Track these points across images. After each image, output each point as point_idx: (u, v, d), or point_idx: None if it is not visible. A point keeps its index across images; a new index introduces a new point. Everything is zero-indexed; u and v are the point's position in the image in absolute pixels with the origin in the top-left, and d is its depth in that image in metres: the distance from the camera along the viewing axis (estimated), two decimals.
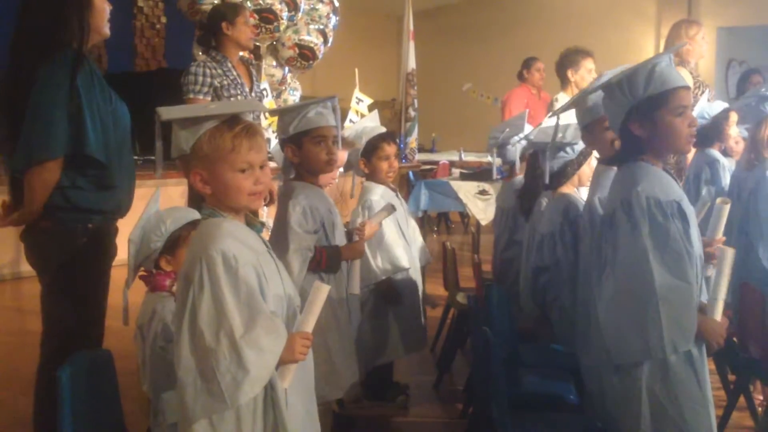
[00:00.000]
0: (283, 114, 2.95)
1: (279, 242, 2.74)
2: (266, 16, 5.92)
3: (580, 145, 3.13)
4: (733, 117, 4.18)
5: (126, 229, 2.66)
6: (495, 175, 4.73)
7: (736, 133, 4.23)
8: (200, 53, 4.35)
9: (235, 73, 4.17)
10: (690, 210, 2.27)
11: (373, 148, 3.53)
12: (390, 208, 3.26)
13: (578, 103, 2.82)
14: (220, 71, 4.12)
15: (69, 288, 2.74)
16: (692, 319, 2.17)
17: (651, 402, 2.20)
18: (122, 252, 2.73)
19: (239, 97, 4.07)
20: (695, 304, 2.19)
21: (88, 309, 2.79)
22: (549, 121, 3.45)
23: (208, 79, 4.08)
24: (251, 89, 4.21)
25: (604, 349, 2.28)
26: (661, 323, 2.12)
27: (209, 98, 4.06)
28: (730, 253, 2.31)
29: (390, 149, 3.56)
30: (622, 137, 2.36)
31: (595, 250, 2.41)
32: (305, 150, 2.87)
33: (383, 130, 3.64)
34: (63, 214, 2.70)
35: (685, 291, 2.15)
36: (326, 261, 2.84)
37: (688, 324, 2.16)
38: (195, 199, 3.53)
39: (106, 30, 2.84)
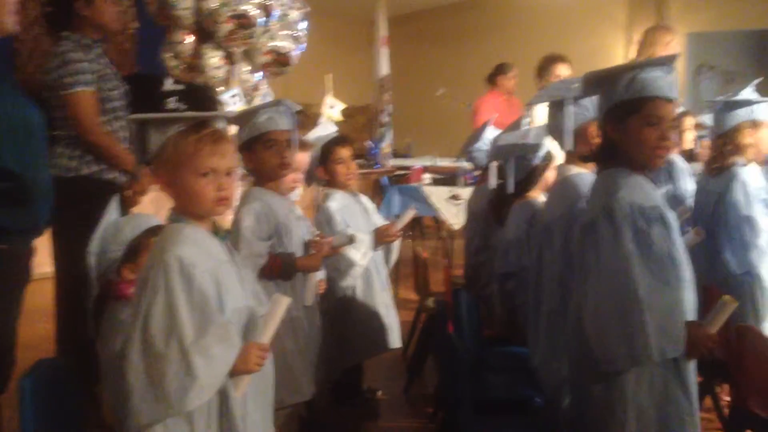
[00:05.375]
0: (236, 121, 2.94)
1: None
2: (242, 22, 5.89)
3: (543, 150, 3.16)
4: (689, 121, 4.23)
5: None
6: (463, 180, 4.74)
7: (692, 136, 4.27)
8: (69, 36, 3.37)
9: (103, 61, 3.46)
10: (671, 217, 2.25)
11: (327, 153, 3.51)
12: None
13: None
14: (92, 56, 3.39)
15: None
16: (679, 323, 2.13)
17: (636, 410, 2.16)
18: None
19: (115, 93, 3.49)
20: (681, 309, 2.16)
21: None
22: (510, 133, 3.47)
23: (86, 65, 3.32)
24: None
25: (586, 358, 2.24)
26: (647, 330, 2.07)
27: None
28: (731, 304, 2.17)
29: (344, 152, 3.52)
30: (601, 137, 2.35)
31: (575, 258, 2.37)
32: (257, 155, 2.87)
33: (335, 134, 3.61)
34: None
35: (669, 296, 2.13)
36: (279, 268, 2.82)
37: (675, 329, 2.12)
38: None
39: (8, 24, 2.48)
